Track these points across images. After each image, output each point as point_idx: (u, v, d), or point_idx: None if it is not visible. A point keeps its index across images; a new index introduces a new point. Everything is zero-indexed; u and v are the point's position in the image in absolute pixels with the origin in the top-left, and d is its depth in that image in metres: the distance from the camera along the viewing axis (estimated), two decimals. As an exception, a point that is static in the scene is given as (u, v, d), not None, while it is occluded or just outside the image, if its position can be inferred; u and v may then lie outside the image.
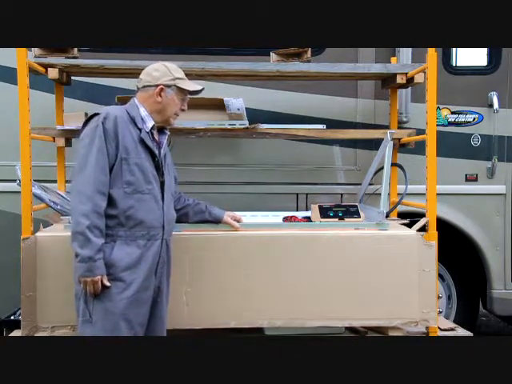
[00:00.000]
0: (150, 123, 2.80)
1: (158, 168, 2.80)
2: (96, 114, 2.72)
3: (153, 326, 2.81)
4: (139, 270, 2.70)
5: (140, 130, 2.76)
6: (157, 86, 2.79)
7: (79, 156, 2.67)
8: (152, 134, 2.81)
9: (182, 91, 2.85)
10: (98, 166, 2.62)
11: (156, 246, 2.76)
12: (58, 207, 3.45)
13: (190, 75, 3.73)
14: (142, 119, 2.79)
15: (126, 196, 2.68)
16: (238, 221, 3.29)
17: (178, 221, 3.08)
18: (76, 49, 3.63)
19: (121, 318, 2.65)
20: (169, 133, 2.94)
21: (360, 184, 4.05)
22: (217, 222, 3.22)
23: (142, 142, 2.75)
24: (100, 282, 2.61)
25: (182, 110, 2.90)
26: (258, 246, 3.26)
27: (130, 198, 2.69)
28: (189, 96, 2.92)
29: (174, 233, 2.95)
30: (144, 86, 2.83)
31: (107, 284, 2.63)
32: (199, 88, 2.91)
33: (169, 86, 2.80)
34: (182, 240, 3.14)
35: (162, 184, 2.81)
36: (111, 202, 2.67)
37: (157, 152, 2.80)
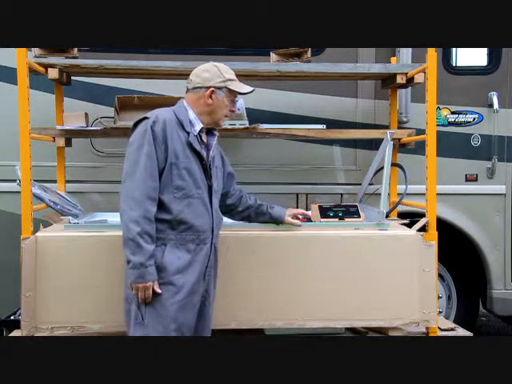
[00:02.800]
0: (198, 126, 2.77)
1: (206, 171, 2.78)
2: (145, 118, 2.71)
3: (201, 327, 2.83)
4: (189, 273, 2.71)
5: (188, 133, 2.74)
6: (207, 88, 2.75)
7: (128, 161, 2.67)
8: (200, 137, 2.79)
9: (233, 93, 2.81)
10: (147, 171, 2.62)
11: (205, 250, 2.77)
12: (58, 207, 3.45)
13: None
14: (191, 122, 2.76)
15: (176, 201, 2.68)
16: (304, 215, 3.32)
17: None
18: (76, 49, 3.63)
19: (171, 321, 2.66)
20: (218, 134, 2.91)
21: (360, 184, 4.05)
22: (278, 223, 3.24)
23: (190, 145, 2.73)
24: (151, 288, 2.62)
25: (232, 112, 2.87)
26: (257, 245, 3.26)
27: (180, 203, 2.69)
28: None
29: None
30: (194, 88, 2.78)
31: (158, 291, 2.64)
32: (250, 90, 2.86)
33: (220, 88, 2.76)
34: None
35: (210, 188, 2.80)
36: (162, 206, 2.67)
37: (205, 155, 2.78)
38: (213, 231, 2.79)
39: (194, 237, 2.72)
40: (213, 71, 2.78)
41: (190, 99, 2.81)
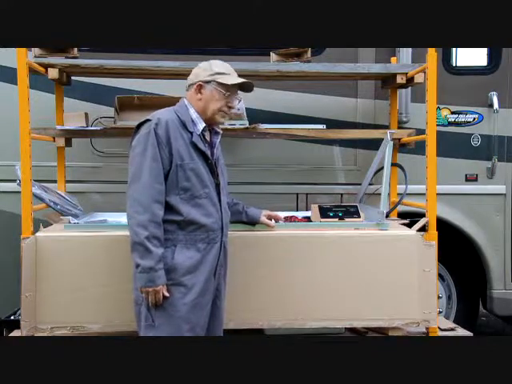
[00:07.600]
0: (200, 125, 2.75)
1: (213, 170, 2.77)
2: (147, 120, 2.68)
3: (212, 327, 2.82)
4: (200, 273, 2.69)
5: (191, 133, 2.72)
6: (196, 83, 2.76)
7: (133, 164, 2.64)
8: (203, 136, 2.78)
9: (224, 86, 2.75)
10: (152, 174, 2.60)
11: (215, 249, 2.75)
12: (58, 207, 3.46)
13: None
14: (193, 121, 2.75)
15: (183, 202, 2.67)
16: (276, 219, 3.28)
17: None
18: (76, 49, 3.63)
19: (183, 322, 2.65)
20: (221, 132, 2.90)
21: (360, 184, 4.06)
22: (253, 223, 3.21)
23: (195, 145, 2.71)
24: (161, 292, 2.60)
25: (230, 108, 2.81)
26: (257, 245, 3.26)
27: (187, 204, 2.67)
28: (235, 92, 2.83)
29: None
30: (189, 85, 2.80)
31: (166, 294, 2.62)
32: (239, 81, 2.79)
33: (207, 82, 2.74)
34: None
35: (218, 186, 2.78)
36: (170, 208, 2.65)
37: (209, 153, 2.77)
38: (222, 230, 2.78)
39: (203, 236, 2.71)
40: (203, 67, 2.79)
41: (188, 97, 2.81)
